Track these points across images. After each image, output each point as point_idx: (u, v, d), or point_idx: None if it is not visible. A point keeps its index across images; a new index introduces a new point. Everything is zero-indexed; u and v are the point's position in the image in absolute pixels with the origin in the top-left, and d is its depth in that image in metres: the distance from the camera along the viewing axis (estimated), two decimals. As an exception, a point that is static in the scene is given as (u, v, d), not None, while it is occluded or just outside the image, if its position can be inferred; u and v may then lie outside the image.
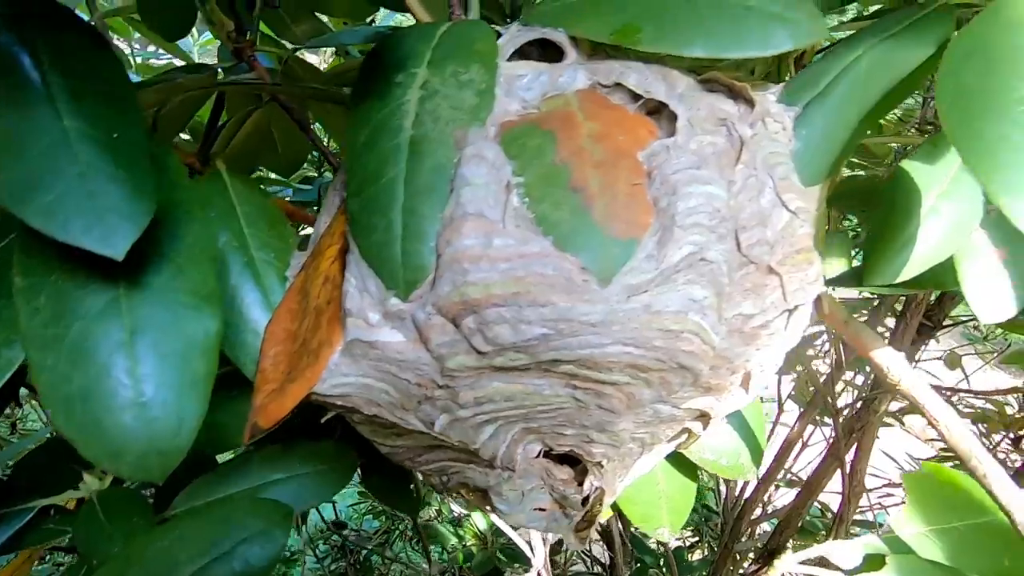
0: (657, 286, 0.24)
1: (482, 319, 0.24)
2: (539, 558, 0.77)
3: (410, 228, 0.25)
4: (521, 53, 0.32)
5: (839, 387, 1.05)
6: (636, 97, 0.28)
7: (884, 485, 1.42)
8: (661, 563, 1.34)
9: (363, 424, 0.35)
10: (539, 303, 0.23)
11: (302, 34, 0.61)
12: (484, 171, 0.25)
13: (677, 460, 0.44)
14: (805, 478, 1.05)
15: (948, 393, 1.17)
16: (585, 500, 0.35)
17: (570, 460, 0.36)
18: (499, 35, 0.33)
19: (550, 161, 0.25)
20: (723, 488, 1.43)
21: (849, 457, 0.97)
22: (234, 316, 0.33)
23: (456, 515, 1.71)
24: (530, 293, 0.23)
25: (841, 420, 0.97)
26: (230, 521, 0.29)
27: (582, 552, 1.41)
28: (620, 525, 1.18)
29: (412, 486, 0.60)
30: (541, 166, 0.25)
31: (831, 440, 0.97)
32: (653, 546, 1.35)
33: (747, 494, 1.14)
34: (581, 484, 0.35)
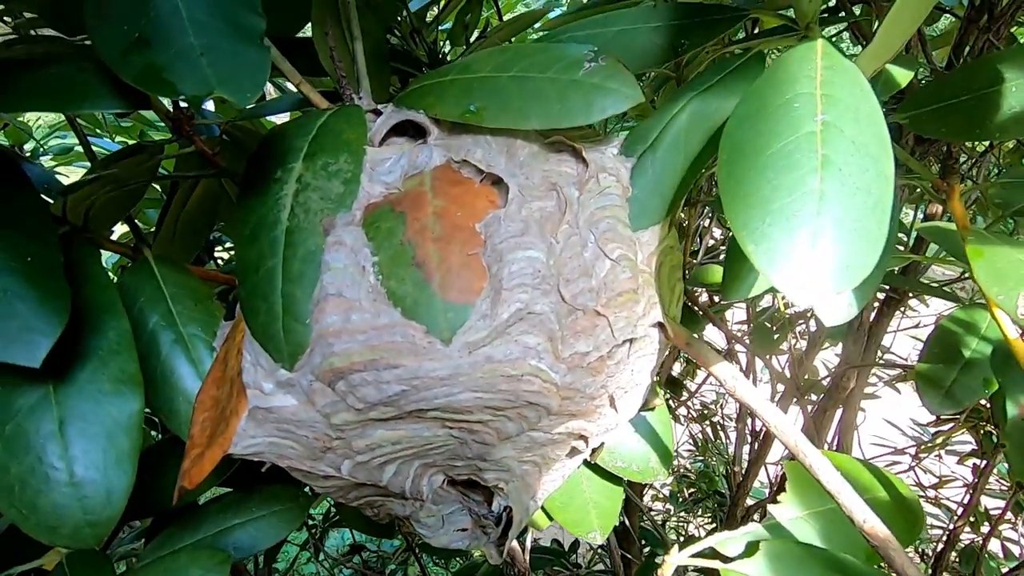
0: (494, 339, 0.28)
1: (349, 383, 0.28)
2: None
3: (288, 310, 0.30)
4: (398, 127, 0.36)
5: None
6: (480, 173, 0.32)
7: (888, 453, 1.45)
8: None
9: (294, 470, 0.39)
10: (393, 365, 0.27)
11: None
12: (343, 256, 0.29)
13: (599, 469, 0.48)
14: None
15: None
16: (499, 520, 0.40)
17: (482, 485, 0.40)
18: (379, 114, 0.37)
19: (398, 241, 0.29)
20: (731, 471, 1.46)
21: (832, 436, 1.01)
22: (168, 390, 0.38)
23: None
24: (384, 359, 0.27)
25: (820, 398, 1.00)
26: (172, 572, 0.33)
27: (600, 549, 1.44)
28: (629, 522, 1.22)
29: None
30: (391, 246, 0.29)
31: (805, 419, 1.01)
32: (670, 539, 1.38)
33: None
34: (492, 506, 0.39)
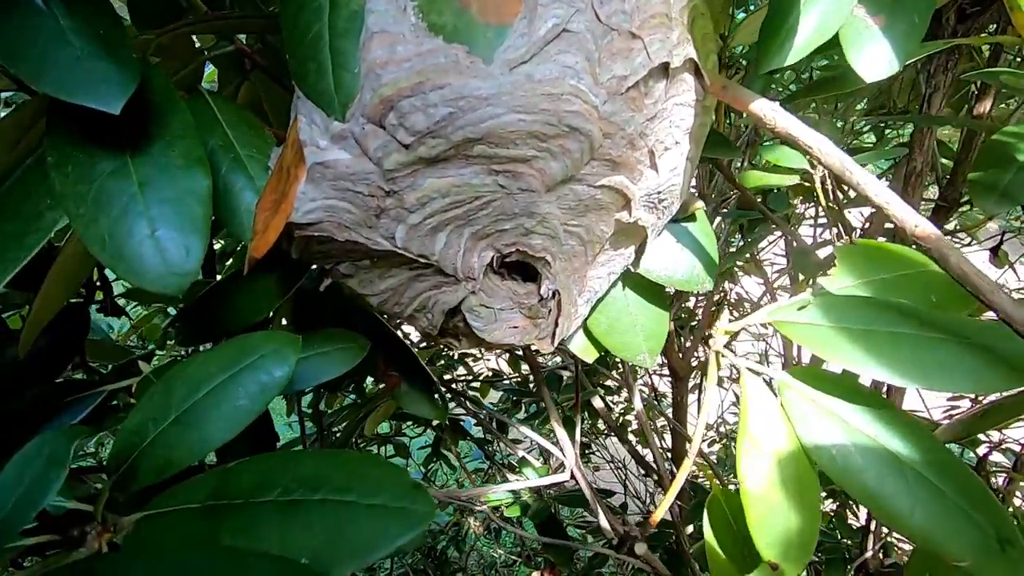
0: (532, 57, 0.29)
1: (399, 112, 0.30)
2: (570, 458, 0.82)
3: (338, 62, 0.31)
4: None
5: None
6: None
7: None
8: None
9: (351, 276, 0.41)
10: (438, 86, 0.29)
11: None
12: (384, 1, 0.30)
13: (644, 289, 0.49)
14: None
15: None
16: (550, 309, 0.41)
17: (531, 278, 0.41)
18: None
19: (435, -15, 0.31)
20: None
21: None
22: (231, 201, 0.40)
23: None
24: (430, 80, 0.29)
25: None
26: (249, 345, 0.36)
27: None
28: (674, 468, 1.21)
29: (436, 394, 0.66)
30: (429, -10, 0.31)
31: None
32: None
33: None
34: (541, 294, 0.40)
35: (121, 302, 0.76)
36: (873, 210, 1.02)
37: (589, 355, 0.53)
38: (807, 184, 0.84)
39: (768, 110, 0.33)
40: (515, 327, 0.42)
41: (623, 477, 1.96)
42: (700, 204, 0.45)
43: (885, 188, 0.31)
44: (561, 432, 0.78)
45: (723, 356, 0.38)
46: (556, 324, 0.41)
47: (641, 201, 0.37)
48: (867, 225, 1.09)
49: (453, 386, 1.30)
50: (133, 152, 0.33)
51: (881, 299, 0.35)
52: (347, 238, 0.35)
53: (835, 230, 1.08)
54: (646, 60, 0.31)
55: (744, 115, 0.35)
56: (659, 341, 0.49)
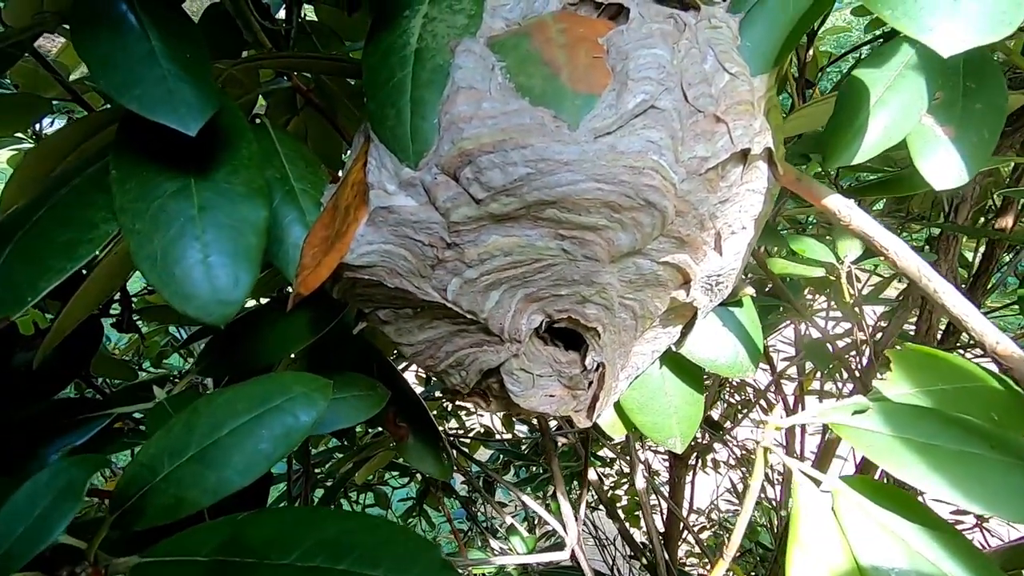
0: (618, 129, 0.29)
1: (477, 167, 0.29)
2: (572, 536, 0.78)
3: (417, 111, 0.31)
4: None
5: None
6: (599, 7, 0.34)
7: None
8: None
9: (389, 323, 0.39)
10: (521, 145, 0.28)
11: (332, 59, 0.71)
12: (472, 60, 0.31)
13: (682, 370, 0.47)
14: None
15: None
16: (591, 382, 0.39)
17: (575, 347, 0.40)
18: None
19: (525, 50, 0.31)
20: (776, 523, 1.37)
21: None
22: (278, 232, 0.39)
23: (498, 552, 1.69)
24: (513, 139, 0.29)
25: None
26: (276, 384, 0.34)
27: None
28: (667, 555, 1.15)
29: (444, 452, 0.64)
30: (518, 54, 0.31)
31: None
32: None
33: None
34: (584, 365, 0.38)
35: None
36: (889, 308, 1.01)
37: (617, 432, 0.51)
38: (832, 278, 0.84)
39: (843, 206, 0.32)
40: (552, 395, 0.40)
41: (611, 556, 1.87)
42: (750, 291, 0.44)
43: (964, 300, 0.30)
44: (567, 507, 0.74)
45: (771, 452, 0.36)
46: (595, 398, 0.39)
47: (700, 282, 0.36)
48: (883, 323, 1.09)
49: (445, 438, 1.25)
50: (198, 175, 0.32)
51: (946, 413, 0.34)
52: (397, 285, 0.34)
53: (852, 326, 1.07)
54: (728, 144, 0.31)
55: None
56: (692, 426, 0.47)
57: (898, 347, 0.40)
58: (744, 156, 0.32)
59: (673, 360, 0.47)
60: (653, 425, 0.47)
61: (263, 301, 0.62)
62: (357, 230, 0.33)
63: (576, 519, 0.77)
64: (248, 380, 0.35)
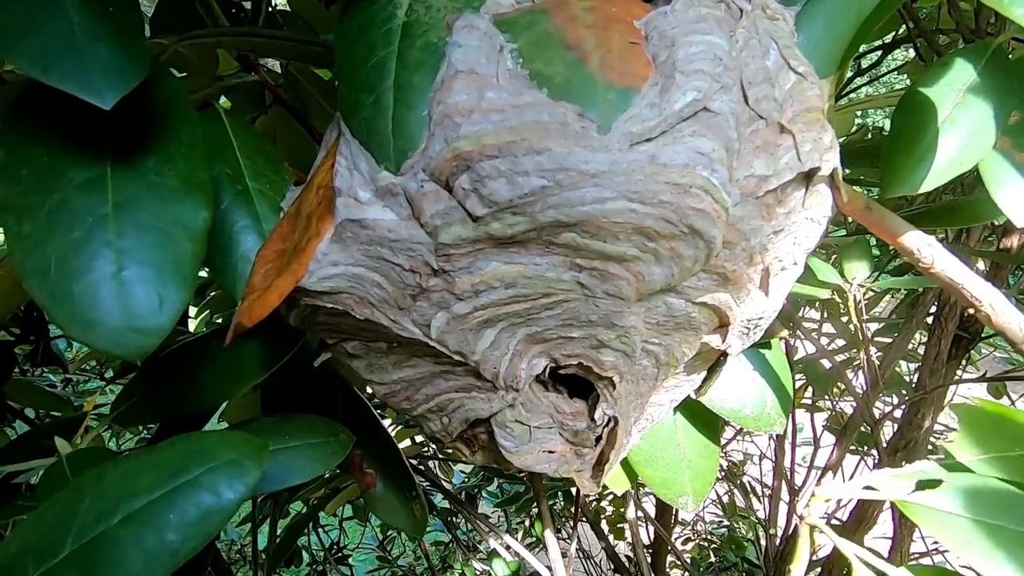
0: (662, 134, 0.22)
1: (476, 175, 0.23)
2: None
3: (400, 99, 0.25)
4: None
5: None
6: (631, -13, 0.28)
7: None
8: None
9: (358, 357, 0.33)
10: (535, 150, 0.22)
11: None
12: (475, 37, 0.24)
13: (698, 419, 0.41)
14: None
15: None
16: (599, 438, 0.32)
17: (582, 395, 0.33)
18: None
19: (542, 29, 0.24)
20: (763, 539, 1.32)
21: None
22: (224, 240, 0.32)
23: (479, 573, 1.62)
24: (525, 140, 0.22)
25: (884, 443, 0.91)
26: (198, 450, 0.26)
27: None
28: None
29: (418, 503, 0.56)
30: (533, 34, 0.24)
31: (875, 465, 0.91)
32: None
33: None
34: (593, 419, 0.32)
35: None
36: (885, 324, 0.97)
37: (619, 485, 0.44)
38: (838, 300, 0.79)
39: (924, 246, 0.26)
40: (551, 452, 0.33)
41: (596, 572, 1.79)
42: (783, 332, 0.38)
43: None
44: (554, 549, 0.67)
45: (820, 531, 0.30)
46: (603, 456, 0.32)
47: (739, 326, 0.30)
48: (881, 339, 1.04)
49: (424, 450, 1.18)
50: (116, 163, 0.25)
51: (1030, 495, 0.28)
52: (367, 316, 0.27)
53: (858, 350, 1.02)
54: (794, 161, 0.24)
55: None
56: (706, 483, 0.41)
57: (969, 401, 0.34)
58: (809, 177, 0.26)
59: (688, 406, 0.40)
60: (663, 481, 0.41)
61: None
62: (319, 246, 0.26)
63: (565, 561, 0.70)
64: (165, 441, 0.27)
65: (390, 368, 0.32)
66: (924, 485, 0.28)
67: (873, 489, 0.29)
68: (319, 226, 0.27)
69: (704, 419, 0.41)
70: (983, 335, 0.95)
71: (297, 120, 0.56)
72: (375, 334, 0.30)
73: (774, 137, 0.24)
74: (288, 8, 0.66)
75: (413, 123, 0.24)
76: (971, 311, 0.29)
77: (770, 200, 0.25)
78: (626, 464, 0.42)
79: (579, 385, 0.33)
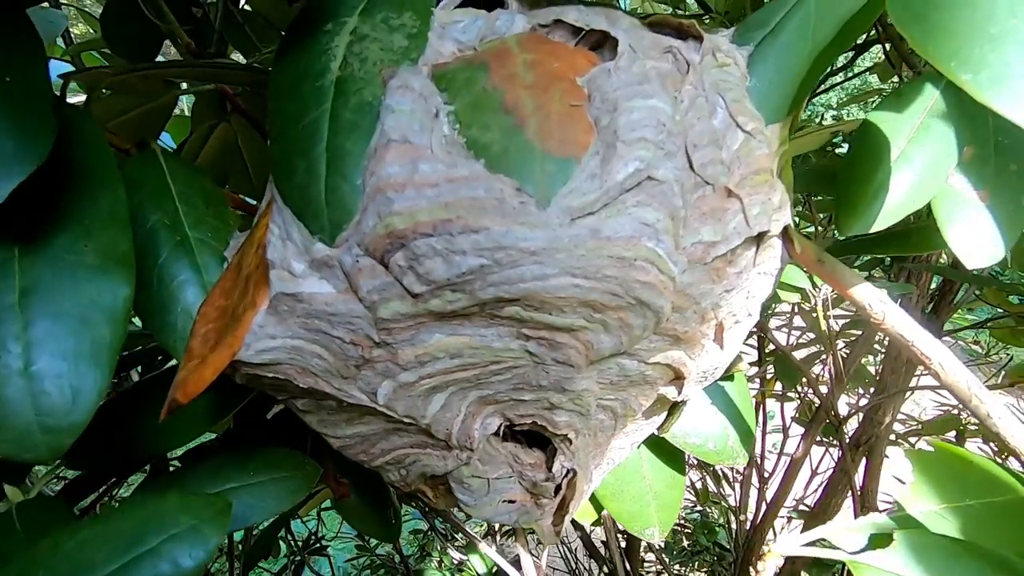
0: (604, 207, 0.21)
1: (411, 253, 0.21)
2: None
3: (334, 166, 0.23)
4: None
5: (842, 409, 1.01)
6: (576, 33, 0.27)
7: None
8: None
9: (310, 412, 0.31)
10: (471, 229, 0.21)
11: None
12: (410, 100, 0.23)
13: (662, 451, 0.41)
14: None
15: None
16: (557, 487, 0.32)
17: (540, 442, 0.33)
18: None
19: (480, 88, 0.23)
20: (734, 524, 1.35)
21: (859, 479, 0.92)
22: (163, 297, 0.31)
23: (456, 562, 1.64)
24: (461, 219, 0.21)
25: (847, 438, 0.92)
26: (156, 517, 0.25)
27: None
28: (627, 564, 1.11)
29: (390, 510, 0.56)
30: (471, 93, 0.23)
31: (839, 458, 0.93)
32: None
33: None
34: (552, 469, 0.31)
35: None
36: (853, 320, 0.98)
37: (586, 517, 0.44)
38: (805, 305, 0.80)
39: (876, 301, 0.26)
40: (511, 502, 0.33)
41: (572, 559, 1.82)
42: (744, 365, 0.37)
43: (1020, 426, 0.24)
44: (527, 562, 0.68)
45: (774, 585, 0.30)
46: (564, 505, 0.32)
47: (695, 377, 0.29)
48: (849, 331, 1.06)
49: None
50: (27, 244, 0.23)
51: (982, 548, 0.28)
52: (311, 385, 0.26)
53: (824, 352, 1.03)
54: (742, 226, 0.24)
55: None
56: (672, 513, 0.41)
57: (924, 443, 0.34)
58: (760, 238, 0.25)
59: (653, 440, 0.40)
60: (629, 514, 0.40)
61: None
62: (255, 319, 0.25)
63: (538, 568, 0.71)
64: (125, 504, 0.26)
65: (343, 424, 0.31)
66: (875, 541, 0.28)
67: (829, 546, 0.29)
68: (255, 294, 0.26)
69: (669, 451, 0.41)
70: (947, 331, 0.97)
71: (256, 130, 0.54)
72: (324, 395, 0.28)
73: (721, 202, 0.23)
74: (248, 7, 0.63)
75: (347, 193, 0.23)
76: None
77: (719, 264, 0.24)
78: (593, 498, 0.41)
79: (537, 436, 0.32)
